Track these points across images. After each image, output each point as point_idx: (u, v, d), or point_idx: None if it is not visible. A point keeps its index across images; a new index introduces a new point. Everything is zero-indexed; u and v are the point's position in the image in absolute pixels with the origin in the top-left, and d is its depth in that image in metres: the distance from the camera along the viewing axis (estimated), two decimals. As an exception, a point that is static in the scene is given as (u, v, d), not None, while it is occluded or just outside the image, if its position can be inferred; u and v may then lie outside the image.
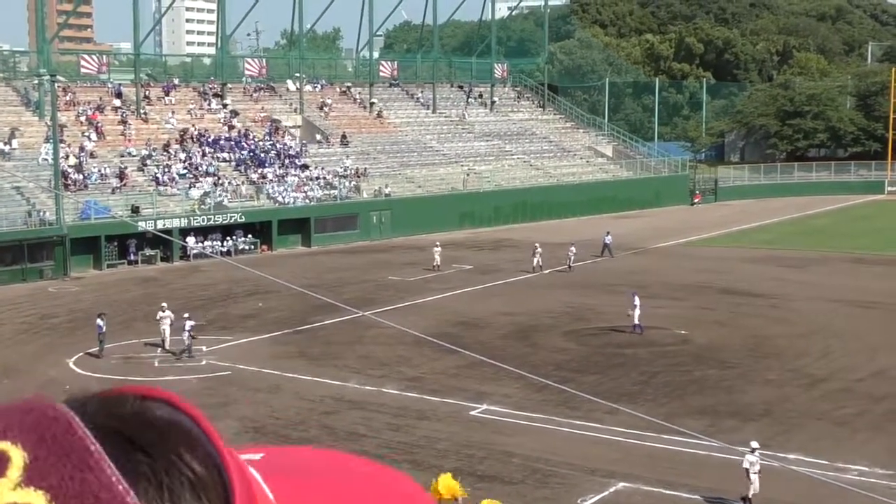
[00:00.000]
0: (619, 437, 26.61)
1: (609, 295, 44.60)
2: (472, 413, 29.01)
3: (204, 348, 36.37)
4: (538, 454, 25.56)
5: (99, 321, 35.49)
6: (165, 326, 36.08)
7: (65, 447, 0.89)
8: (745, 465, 22.82)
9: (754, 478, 22.67)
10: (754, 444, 23.40)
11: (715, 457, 24.76)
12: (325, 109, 76.91)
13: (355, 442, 26.54)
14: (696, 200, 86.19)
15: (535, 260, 51.84)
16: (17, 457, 0.88)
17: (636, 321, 38.36)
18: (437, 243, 54.38)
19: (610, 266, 53.66)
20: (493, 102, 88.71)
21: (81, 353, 35.78)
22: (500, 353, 33.46)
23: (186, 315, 35.80)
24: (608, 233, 58.01)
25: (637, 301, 38.49)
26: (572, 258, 52.57)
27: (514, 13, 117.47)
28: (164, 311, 36.48)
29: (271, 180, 64.74)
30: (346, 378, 32.61)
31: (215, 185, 61.70)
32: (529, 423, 28.01)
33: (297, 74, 76.96)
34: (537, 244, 53.35)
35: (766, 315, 41.84)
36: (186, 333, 34.95)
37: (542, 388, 29.37)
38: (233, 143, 67.77)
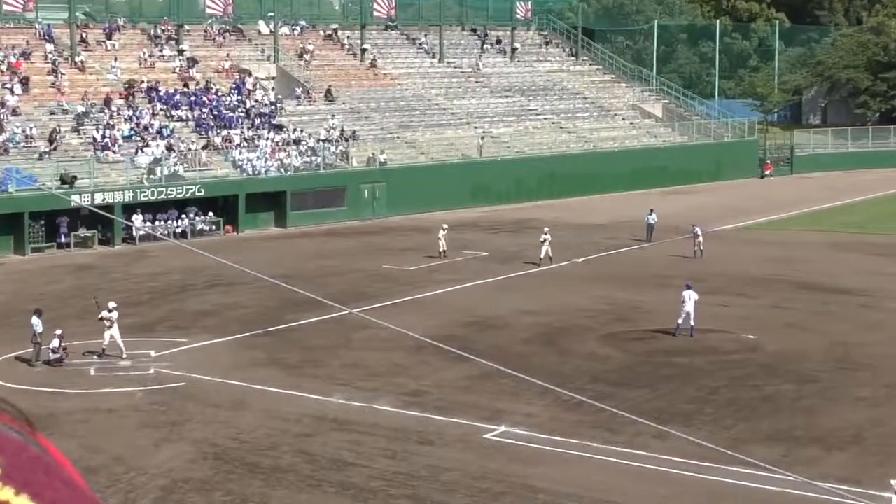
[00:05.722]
0: (671, 469, 26.41)
1: (659, 290, 44.43)
2: (487, 436, 28.90)
3: (152, 353, 36.23)
4: (569, 489, 25.40)
5: (34, 319, 35.18)
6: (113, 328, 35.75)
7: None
8: None
9: None
10: None
11: (791, 494, 24.53)
12: (306, 58, 76.83)
13: (341, 471, 26.45)
14: (766, 172, 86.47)
15: (544, 250, 51.17)
16: None
17: (681, 321, 38.28)
18: (444, 225, 54.22)
19: (658, 254, 53.52)
20: (513, 50, 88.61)
21: (1, 359, 35.59)
22: (522, 362, 33.40)
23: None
24: (652, 211, 57.99)
25: (688, 296, 38.31)
26: (701, 242, 52.58)
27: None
28: (109, 311, 36.16)
29: (238, 145, 64.63)
30: (330, 392, 32.54)
31: (168, 150, 61.57)
32: (558, 449, 27.90)
33: (271, 14, 76.89)
34: (546, 229, 52.75)
35: (856, 317, 41.74)
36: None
37: (574, 405, 29.31)
38: (191, 98, 67.68)
